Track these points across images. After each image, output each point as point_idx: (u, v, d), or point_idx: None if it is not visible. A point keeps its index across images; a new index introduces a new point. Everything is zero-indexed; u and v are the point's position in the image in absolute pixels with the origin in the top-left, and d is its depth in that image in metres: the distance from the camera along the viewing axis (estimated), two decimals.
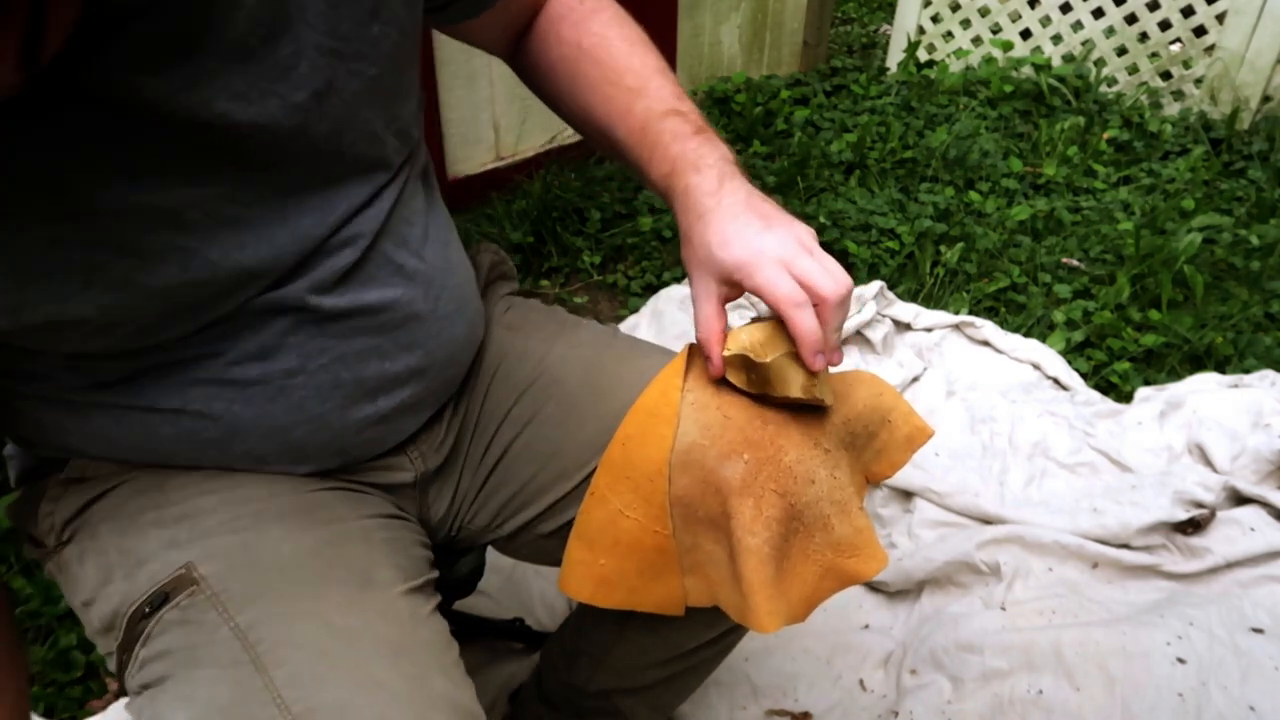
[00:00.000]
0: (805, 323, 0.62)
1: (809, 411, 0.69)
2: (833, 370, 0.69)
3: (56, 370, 0.60)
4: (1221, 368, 1.77)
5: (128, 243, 0.53)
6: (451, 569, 0.84)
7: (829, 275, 0.63)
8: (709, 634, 0.86)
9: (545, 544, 0.79)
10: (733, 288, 0.66)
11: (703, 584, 0.70)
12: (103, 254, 0.52)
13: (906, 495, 1.47)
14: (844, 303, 0.63)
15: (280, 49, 0.53)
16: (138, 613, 0.61)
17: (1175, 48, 2.82)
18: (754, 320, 0.68)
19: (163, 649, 0.59)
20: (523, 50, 0.79)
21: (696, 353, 0.74)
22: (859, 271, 2.09)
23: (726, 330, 0.67)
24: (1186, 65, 2.79)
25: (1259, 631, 1.18)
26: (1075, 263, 2.12)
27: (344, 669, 0.56)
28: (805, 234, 0.65)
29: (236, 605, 0.59)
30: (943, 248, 2.16)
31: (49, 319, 0.53)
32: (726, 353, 0.66)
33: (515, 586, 1.37)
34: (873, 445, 0.73)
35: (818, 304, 0.62)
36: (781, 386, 0.66)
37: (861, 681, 1.24)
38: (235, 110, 0.52)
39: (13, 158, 0.48)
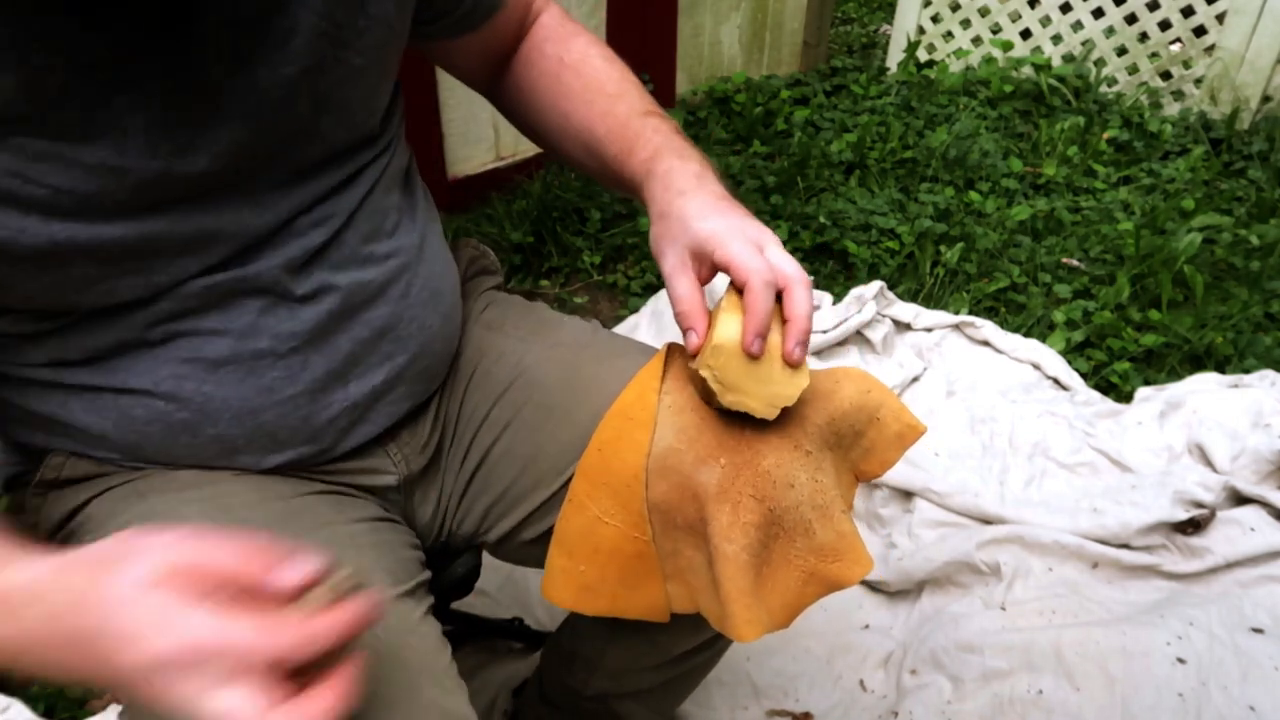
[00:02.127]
0: (762, 301, 0.61)
1: (789, 413, 0.67)
2: (819, 366, 0.67)
3: (26, 346, 0.60)
4: (1221, 368, 1.77)
5: (95, 190, 0.53)
6: (447, 570, 0.84)
7: (796, 265, 0.64)
8: (699, 638, 0.86)
9: (531, 550, 0.78)
10: (701, 263, 0.66)
11: (685, 590, 0.69)
12: (69, 196, 0.52)
13: (906, 495, 1.47)
14: (810, 287, 0.64)
15: (277, 22, 0.56)
16: None
17: (1175, 48, 2.82)
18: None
19: None
20: (504, 75, 0.82)
21: (675, 354, 0.72)
22: (859, 271, 2.09)
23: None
24: (1186, 65, 2.79)
25: (1259, 631, 1.18)
26: (1075, 263, 2.12)
27: None
28: (773, 236, 0.66)
29: None
30: (943, 248, 2.16)
31: (7, 239, 0.52)
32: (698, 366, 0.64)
33: (514, 586, 1.37)
34: (860, 444, 0.72)
35: (785, 286, 0.63)
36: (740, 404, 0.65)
37: (862, 682, 1.24)
38: (222, 78, 0.55)
39: (36, 79, 0.49)
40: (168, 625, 0.36)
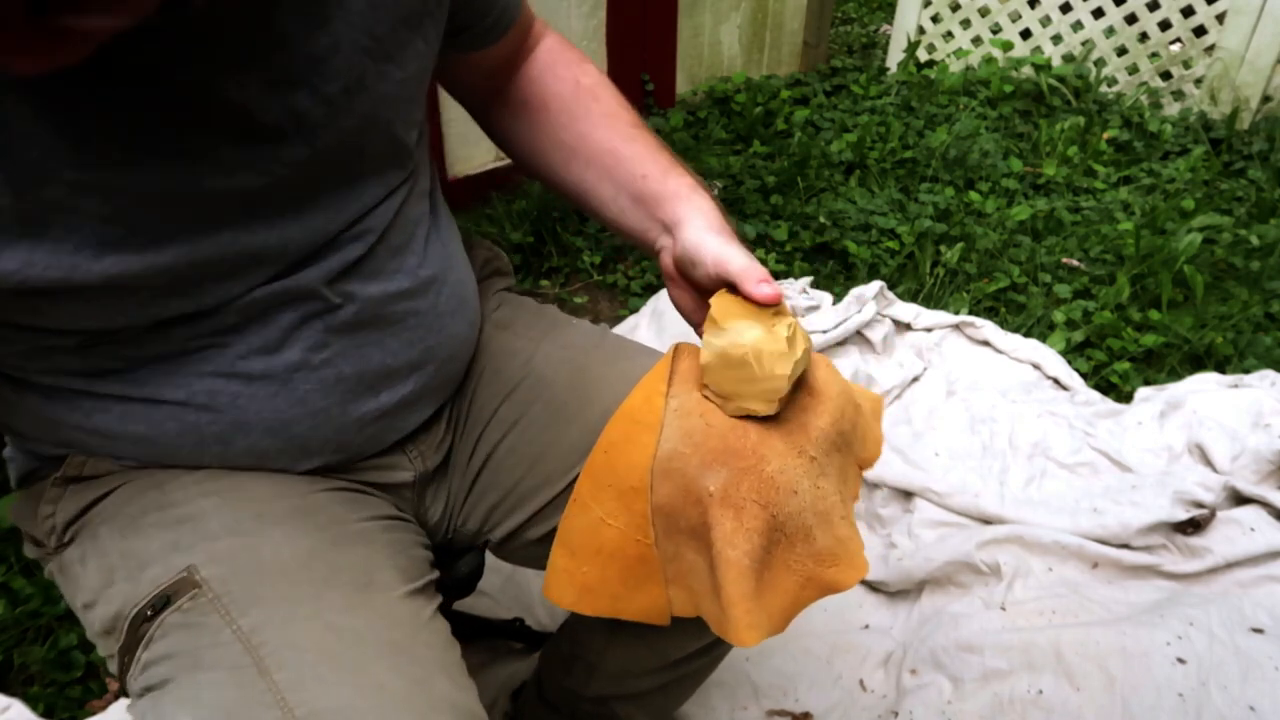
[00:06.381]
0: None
1: (793, 418, 0.68)
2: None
3: (64, 355, 0.60)
4: (1221, 368, 1.77)
5: (143, 218, 0.53)
6: (451, 569, 0.84)
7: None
8: (698, 643, 0.86)
9: (535, 550, 0.79)
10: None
11: (686, 594, 0.69)
12: (118, 227, 0.52)
13: (906, 495, 1.47)
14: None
15: (317, 40, 0.56)
16: (139, 615, 0.61)
17: (1175, 48, 2.82)
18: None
19: (165, 652, 0.59)
20: (506, 94, 0.82)
21: (682, 356, 0.73)
22: (859, 271, 2.09)
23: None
24: (1186, 65, 2.79)
25: (1259, 631, 1.18)
26: (1075, 263, 2.12)
27: (346, 672, 0.56)
28: None
29: (239, 608, 0.59)
30: (943, 248, 2.16)
31: (59, 279, 0.52)
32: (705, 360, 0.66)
33: (515, 586, 1.37)
34: (857, 434, 0.73)
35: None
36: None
37: (862, 681, 1.24)
38: (263, 96, 0.54)
39: (70, 109, 0.49)
40: None
